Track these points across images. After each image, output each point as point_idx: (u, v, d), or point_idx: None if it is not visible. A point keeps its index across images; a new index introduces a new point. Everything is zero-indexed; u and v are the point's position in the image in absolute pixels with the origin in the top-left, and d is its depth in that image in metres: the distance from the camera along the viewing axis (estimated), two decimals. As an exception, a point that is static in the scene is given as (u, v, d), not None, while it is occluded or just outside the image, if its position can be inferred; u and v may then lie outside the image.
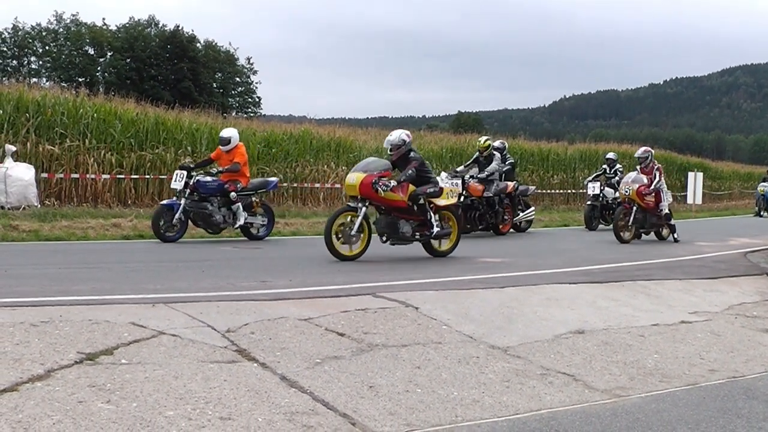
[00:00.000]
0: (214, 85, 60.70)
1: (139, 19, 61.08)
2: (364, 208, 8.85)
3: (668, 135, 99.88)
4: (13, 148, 13.40)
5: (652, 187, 12.98)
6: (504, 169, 14.78)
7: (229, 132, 11.63)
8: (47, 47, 58.06)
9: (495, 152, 14.36)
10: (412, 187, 9.22)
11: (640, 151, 13.88)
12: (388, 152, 9.53)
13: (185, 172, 10.71)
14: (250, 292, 6.23)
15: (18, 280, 6.46)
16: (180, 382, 3.86)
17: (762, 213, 25.86)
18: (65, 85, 26.95)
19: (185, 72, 56.13)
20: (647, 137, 65.05)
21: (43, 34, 58.07)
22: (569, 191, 27.60)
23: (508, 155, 15.61)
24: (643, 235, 13.35)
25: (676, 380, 4.73)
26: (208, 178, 10.99)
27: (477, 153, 14.48)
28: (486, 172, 13.84)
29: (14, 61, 56.42)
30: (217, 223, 10.96)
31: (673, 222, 13.71)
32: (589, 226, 16.32)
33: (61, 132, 15.45)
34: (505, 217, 14.28)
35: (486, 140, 14.61)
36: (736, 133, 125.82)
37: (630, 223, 12.85)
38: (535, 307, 6.33)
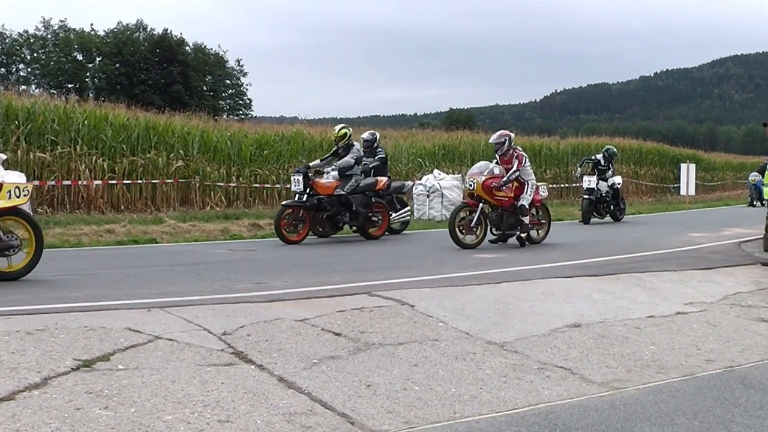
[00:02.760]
0: (205, 88, 60.54)
1: (127, 24, 60.98)
2: None
3: (660, 127, 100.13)
4: (4, 157, 13.16)
5: (505, 178, 10.51)
6: (372, 164, 12.91)
7: None
8: (35, 54, 57.77)
9: (354, 143, 12.16)
10: None
11: (496, 135, 11.19)
12: None
13: None
14: (246, 294, 6.22)
15: (13, 288, 6.43)
16: (177, 386, 3.86)
17: (755, 203, 25.96)
18: (55, 91, 26.90)
19: (175, 76, 56.00)
20: (639, 130, 65.25)
21: (31, 40, 57.77)
22: (562, 185, 27.69)
23: (380, 148, 13.57)
24: (508, 238, 10.92)
25: (672, 371, 4.75)
26: None
27: (335, 145, 12.16)
28: (335, 166, 11.53)
29: (2, 69, 56.16)
30: None
31: (528, 221, 10.83)
32: (585, 220, 16.34)
33: (52, 139, 15.44)
34: (374, 219, 11.91)
35: (341, 129, 12.14)
36: (728, 124, 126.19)
37: (474, 224, 10.32)
38: (531, 301, 6.34)
